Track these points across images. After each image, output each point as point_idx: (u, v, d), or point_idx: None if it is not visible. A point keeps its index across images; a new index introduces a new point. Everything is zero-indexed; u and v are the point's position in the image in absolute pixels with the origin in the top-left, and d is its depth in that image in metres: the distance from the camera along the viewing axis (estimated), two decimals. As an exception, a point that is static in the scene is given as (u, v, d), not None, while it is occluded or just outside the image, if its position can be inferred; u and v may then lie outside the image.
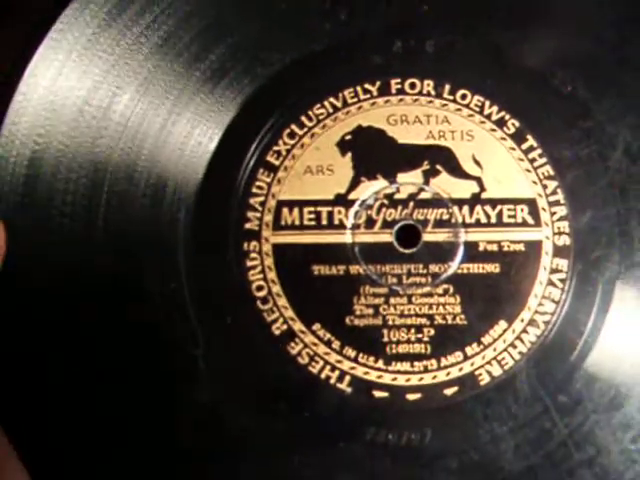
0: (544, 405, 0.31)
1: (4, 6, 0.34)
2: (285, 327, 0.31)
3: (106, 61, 0.31)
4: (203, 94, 0.31)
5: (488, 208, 0.32)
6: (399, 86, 0.32)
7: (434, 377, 0.31)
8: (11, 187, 0.31)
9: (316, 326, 0.31)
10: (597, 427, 0.31)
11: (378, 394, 0.31)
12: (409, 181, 0.32)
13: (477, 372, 0.31)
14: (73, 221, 0.30)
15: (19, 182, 0.31)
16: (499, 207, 0.32)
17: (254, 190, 0.32)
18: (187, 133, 0.31)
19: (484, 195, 0.32)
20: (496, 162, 0.32)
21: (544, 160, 0.32)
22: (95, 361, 0.30)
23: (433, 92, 0.32)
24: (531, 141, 0.32)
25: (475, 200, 0.32)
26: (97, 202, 0.31)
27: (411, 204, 0.32)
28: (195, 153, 0.31)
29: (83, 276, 0.30)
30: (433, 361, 0.31)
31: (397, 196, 0.32)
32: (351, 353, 0.31)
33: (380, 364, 0.31)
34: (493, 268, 0.32)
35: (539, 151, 0.32)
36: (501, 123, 0.32)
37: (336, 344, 0.31)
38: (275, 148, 0.32)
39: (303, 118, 0.32)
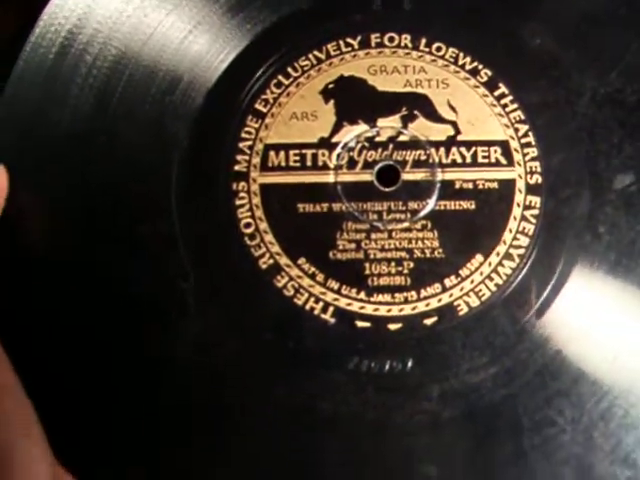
0: (520, 335, 0.24)
1: None
2: (271, 261, 0.24)
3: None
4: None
5: (463, 149, 0.25)
6: (378, 40, 0.26)
7: (414, 308, 0.24)
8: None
9: (301, 260, 0.24)
10: (572, 355, 0.24)
11: (361, 324, 0.24)
12: (388, 125, 0.25)
13: (455, 303, 0.24)
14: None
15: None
16: (473, 148, 0.25)
17: (243, 135, 0.25)
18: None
19: (459, 137, 0.25)
20: (470, 107, 0.25)
21: (515, 106, 0.25)
22: (83, 293, 0.23)
23: (410, 45, 0.25)
24: (503, 88, 0.25)
25: (451, 142, 0.25)
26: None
27: (390, 146, 0.25)
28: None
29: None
30: (413, 292, 0.24)
31: (377, 139, 0.25)
32: (334, 285, 0.24)
33: (362, 295, 0.24)
34: (469, 205, 0.25)
35: (510, 97, 0.25)
36: (474, 72, 0.25)
37: (320, 277, 0.24)
38: (263, 97, 0.25)
39: (289, 69, 0.25)
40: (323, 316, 0.24)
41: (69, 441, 0.23)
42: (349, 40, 0.26)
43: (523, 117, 0.25)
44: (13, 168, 0.24)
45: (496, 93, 0.25)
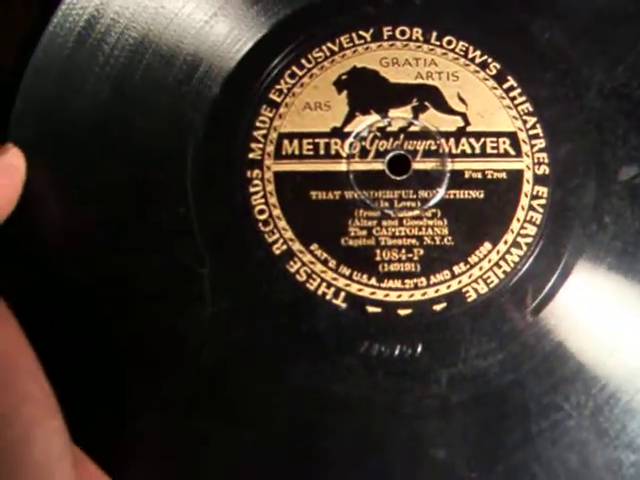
0: (528, 322, 0.24)
1: None
2: (285, 247, 0.24)
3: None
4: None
5: (472, 140, 0.25)
6: (390, 33, 0.26)
7: (424, 294, 0.24)
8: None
9: (314, 246, 0.24)
10: (580, 342, 0.25)
11: (371, 309, 0.24)
12: (400, 116, 0.25)
13: (464, 289, 0.24)
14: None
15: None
16: (483, 139, 0.25)
17: (257, 124, 0.25)
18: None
19: (469, 129, 0.25)
20: (479, 99, 0.25)
21: (524, 98, 0.25)
22: (97, 279, 0.23)
23: (421, 38, 0.26)
24: (511, 81, 0.25)
25: (460, 133, 0.25)
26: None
27: (402, 136, 0.25)
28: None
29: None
30: (423, 279, 0.24)
31: (389, 129, 0.25)
32: (346, 271, 0.24)
33: (373, 281, 0.24)
34: (478, 194, 0.25)
35: (519, 90, 0.25)
36: (484, 65, 0.26)
37: (332, 263, 0.24)
38: (277, 87, 0.25)
39: (303, 61, 0.25)
40: (335, 301, 0.24)
41: (83, 426, 0.23)
42: (362, 33, 0.26)
43: (531, 109, 0.25)
44: (31, 155, 0.25)
45: (505, 86, 0.26)
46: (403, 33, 0.26)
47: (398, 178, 0.25)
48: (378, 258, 0.24)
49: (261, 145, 0.25)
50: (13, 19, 0.27)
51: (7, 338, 0.22)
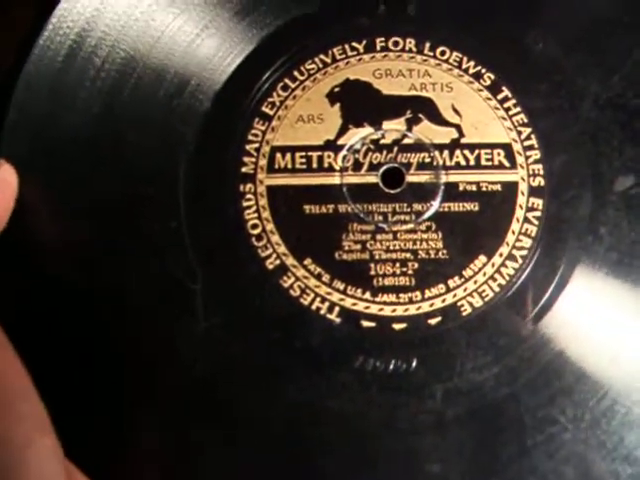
0: (524, 335, 0.24)
1: None
2: (278, 262, 0.24)
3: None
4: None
5: (467, 152, 0.25)
6: (383, 44, 0.25)
7: (418, 308, 0.24)
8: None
9: (307, 261, 0.24)
10: (574, 355, 0.24)
11: (366, 324, 0.24)
12: (393, 128, 0.25)
13: (459, 303, 0.24)
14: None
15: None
16: (477, 151, 0.25)
17: (250, 137, 0.25)
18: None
19: (463, 140, 0.25)
20: (474, 111, 0.25)
21: (518, 109, 0.25)
22: (89, 294, 0.23)
23: (415, 49, 0.25)
24: (506, 92, 0.25)
25: (455, 145, 0.25)
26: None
27: (395, 149, 0.25)
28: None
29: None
30: (417, 293, 0.24)
31: (382, 141, 0.25)
32: (340, 286, 0.24)
33: (367, 296, 0.24)
34: (472, 207, 0.25)
35: (513, 101, 0.25)
36: (478, 76, 0.25)
37: (326, 277, 0.24)
38: (270, 100, 0.25)
39: (296, 73, 0.25)
40: (329, 316, 0.24)
41: (77, 440, 0.23)
42: (354, 44, 0.25)
43: (526, 120, 0.25)
44: (23, 171, 0.24)
45: (499, 97, 0.25)
46: (396, 44, 0.26)
47: (392, 191, 0.25)
48: (372, 272, 0.24)
49: (253, 159, 0.25)
50: (13, 20, 0.27)
51: None
